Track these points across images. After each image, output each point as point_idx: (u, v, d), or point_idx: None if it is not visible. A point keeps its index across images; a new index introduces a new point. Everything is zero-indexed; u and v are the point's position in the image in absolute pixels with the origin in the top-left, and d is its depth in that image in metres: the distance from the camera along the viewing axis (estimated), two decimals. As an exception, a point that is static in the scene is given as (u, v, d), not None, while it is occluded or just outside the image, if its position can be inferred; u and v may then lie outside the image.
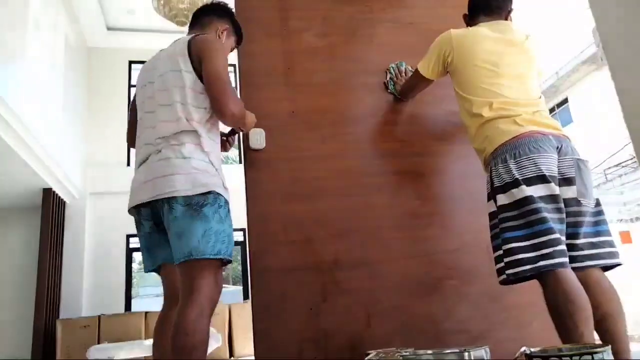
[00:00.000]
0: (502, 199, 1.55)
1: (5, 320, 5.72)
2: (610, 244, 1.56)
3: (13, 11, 4.32)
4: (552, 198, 1.50)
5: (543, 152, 1.53)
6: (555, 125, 1.65)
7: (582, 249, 1.52)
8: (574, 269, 1.47)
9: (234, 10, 1.95)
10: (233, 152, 9.14)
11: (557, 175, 1.53)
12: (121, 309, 6.14)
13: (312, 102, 2.06)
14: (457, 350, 0.86)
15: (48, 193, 5.62)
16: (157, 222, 1.58)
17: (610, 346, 0.83)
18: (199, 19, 1.89)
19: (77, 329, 5.09)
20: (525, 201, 1.49)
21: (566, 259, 1.44)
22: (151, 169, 1.55)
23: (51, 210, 5.64)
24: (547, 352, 0.89)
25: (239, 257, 7.62)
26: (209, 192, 1.50)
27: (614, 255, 1.55)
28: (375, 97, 2.14)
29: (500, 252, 1.54)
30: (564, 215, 1.51)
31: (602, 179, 10.81)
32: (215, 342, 5.17)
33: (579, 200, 1.53)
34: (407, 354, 0.96)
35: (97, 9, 6.78)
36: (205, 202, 1.48)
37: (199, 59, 1.64)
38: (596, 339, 1.44)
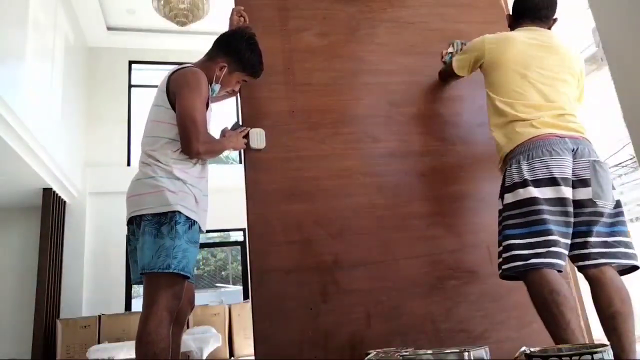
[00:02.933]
0: (508, 198, 1.61)
1: (5, 320, 5.72)
2: (627, 245, 1.56)
3: (13, 11, 4.32)
4: (560, 201, 1.54)
5: (556, 155, 1.57)
6: (576, 128, 1.66)
7: (594, 247, 1.54)
8: (587, 266, 1.53)
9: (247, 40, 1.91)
10: (233, 152, 9.13)
11: (570, 177, 1.57)
12: (121, 309, 6.14)
13: (312, 102, 2.06)
14: (457, 350, 0.86)
15: (48, 193, 5.62)
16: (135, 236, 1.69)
17: (610, 346, 0.83)
18: (211, 48, 1.92)
19: (77, 329, 5.09)
20: (528, 201, 1.54)
21: (558, 261, 1.49)
22: (132, 186, 1.71)
23: (51, 210, 5.63)
24: (547, 352, 0.89)
25: (239, 257, 7.62)
26: (169, 211, 1.60)
27: (629, 256, 1.54)
28: (375, 97, 2.14)
29: (501, 248, 1.60)
30: (570, 219, 1.54)
31: (602, 179, 10.79)
32: (215, 342, 5.18)
33: (595, 202, 1.55)
34: (407, 354, 0.96)
35: (97, 9, 6.78)
36: (164, 220, 1.58)
37: (174, 94, 1.72)
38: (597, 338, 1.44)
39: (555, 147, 1.58)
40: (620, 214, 1.60)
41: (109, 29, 7.29)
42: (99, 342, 5.06)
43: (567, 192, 1.54)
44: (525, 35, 1.81)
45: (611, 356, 0.79)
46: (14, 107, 3.98)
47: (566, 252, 1.54)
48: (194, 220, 1.66)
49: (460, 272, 1.95)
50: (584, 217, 1.55)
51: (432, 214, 2.02)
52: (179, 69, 1.79)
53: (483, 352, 0.86)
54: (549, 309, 1.44)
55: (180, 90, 1.70)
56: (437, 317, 1.87)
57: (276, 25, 2.15)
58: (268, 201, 1.90)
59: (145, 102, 8.02)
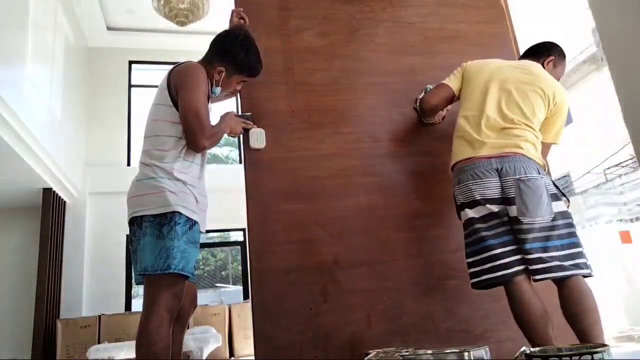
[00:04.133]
0: (461, 218, 1.77)
1: (5, 320, 5.72)
2: (562, 258, 1.56)
3: (13, 11, 4.32)
4: (493, 214, 1.65)
5: (478, 178, 1.67)
6: (510, 144, 1.69)
7: (532, 263, 1.58)
8: (535, 279, 1.58)
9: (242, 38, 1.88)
10: (233, 152, 9.14)
11: (498, 195, 1.64)
12: (121, 309, 6.14)
13: (312, 102, 2.06)
14: (457, 350, 0.86)
15: (48, 193, 5.62)
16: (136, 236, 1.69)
17: (609, 346, 0.83)
18: (208, 51, 1.89)
19: (77, 329, 5.09)
20: (468, 222, 1.71)
21: (509, 271, 1.59)
22: (132, 187, 1.70)
23: (51, 210, 5.63)
24: (547, 352, 0.89)
25: (239, 257, 7.62)
26: (169, 212, 1.59)
27: (565, 268, 1.54)
28: (375, 96, 2.14)
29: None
30: (509, 227, 1.63)
31: (602, 179, 10.81)
32: (215, 342, 5.18)
33: (519, 219, 1.58)
34: (407, 354, 0.96)
35: (97, 9, 6.78)
36: (164, 220, 1.58)
37: (176, 90, 1.71)
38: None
39: (478, 170, 1.68)
40: (558, 226, 1.59)
41: (109, 29, 7.29)
42: (99, 342, 5.06)
43: (495, 207, 1.63)
44: (507, 61, 1.91)
45: (611, 356, 0.79)
46: (14, 107, 3.98)
47: (516, 257, 1.61)
48: (195, 221, 1.66)
49: (460, 272, 1.95)
50: (518, 234, 1.61)
51: (432, 214, 2.02)
52: (178, 65, 1.78)
53: (483, 352, 0.86)
54: (523, 325, 1.55)
55: (181, 86, 1.69)
56: (437, 317, 1.87)
57: (276, 25, 2.15)
58: (268, 201, 1.90)
59: (145, 102, 8.03)
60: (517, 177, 1.62)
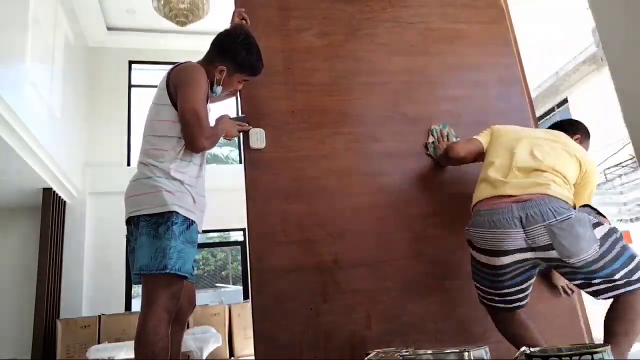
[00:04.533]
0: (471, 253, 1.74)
1: (5, 320, 5.72)
2: (626, 275, 1.47)
3: (13, 11, 4.32)
4: (491, 267, 1.63)
5: (495, 227, 1.57)
6: (530, 185, 1.59)
7: (587, 288, 1.53)
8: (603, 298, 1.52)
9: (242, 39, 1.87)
10: (233, 152, 9.14)
11: (519, 247, 1.54)
12: (121, 309, 6.15)
13: (312, 102, 2.06)
14: (457, 350, 0.86)
15: (48, 193, 5.63)
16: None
17: (610, 346, 0.83)
18: (208, 50, 1.89)
19: (77, 329, 5.09)
20: (477, 264, 1.71)
21: (512, 305, 1.66)
22: (130, 186, 1.69)
23: (51, 210, 5.63)
24: (547, 352, 0.89)
25: (239, 257, 7.62)
26: (165, 211, 1.59)
27: (630, 283, 1.47)
28: (375, 96, 2.14)
29: None
30: (526, 269, 1.62)
31: (602, 179, 10.81)
32: (215, 342, 5.18)
33: (566, 261, 1.49)
34: (407, 354, 0.96)
35: (97, 8, 6.78)
36: (161, 220, 1.58)
37: (175, 90, 1.70)
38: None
39: (497, 218, 1.57)
40: (609, 248, 1.50)
41: (109, 29, 7.29)
42: (99, 342, 5.06)
43: (505, 259, 1.57)
44: (532, 129, 1.89)
45: (611, 356, 0.79)
46: (14, 107, 3.98)
47: (523, 294, 1.66)
48: (192, 220, 1.65)
49: (460, 272, 1.95)
50: (571, 272, 1.53)
51: (432, 214, 2.02)
52: (178, 65, 1.78)
53: (483, 352, 0.86)
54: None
55: (181, 86, 1.69)
56: (437, 317, 1.87)
57: (276, 25, 2.14)
58: (268, 201, 1.90)
59: (145, 102, 8.03)
60: (547, 222, 1.49)
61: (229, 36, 1.86)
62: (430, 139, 2.07)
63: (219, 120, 1.83)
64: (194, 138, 1.64)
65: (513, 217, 1.53)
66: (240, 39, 1.84)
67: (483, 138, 1.90)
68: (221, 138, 1.85)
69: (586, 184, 1.73)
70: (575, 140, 1.86)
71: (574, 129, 1.95)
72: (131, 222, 1.64)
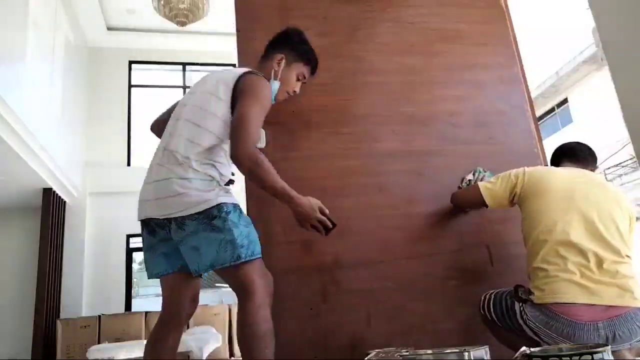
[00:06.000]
0: (512, 315, 1.56)
1: (5, 320, 5.72)
2: None
3: (13, 11, 4.32)
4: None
5: (573, 341, 1.39)
6: (618, 295, 1.41)
7: None
8: None
9: (294, 35, 1.85)
10: (233, 152, 9.12)
11: None
12: (121, 309, 6.15)
13: (312, 102, 2.05)
14: (457, 350, 0.86)
15: (48, 193, 5.63)
16: (166, 234, 1.60)
17: (610, 346, 0.83)
18: (264, 51, 1.86)
19: (77, 329, 5.09)
20: (516, 322, 1.54)
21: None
22: (159, 187, 1.57)
23: (51, 210, 5.64)
24: (547, 352, 0.89)
25: (239, 257, 7.61)
26: (214, 205, 1.51)
27: None
28: (375, 96, 2.14)
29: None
30: None
31: (602, 179, 10.81)
32: (215, 342, 5.18)
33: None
34: (407, 354, 0.96)
35: (97, 9, 6.79)
36: (214, 214, 1.50)
37: (240, 94, 1.63)
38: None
39: (578, 335, 1.38)
40: None
41: (109, 29, 7.29)
42: (99, 342, 5.06)
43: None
44: (566, 170, 1.70)
45: (611, 356, 0.79)
46: (14, 107, 3.98)
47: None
48: (238, 204, 1.59)
49: (460, 272, 1.95)
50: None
51: (432, 214, 2.02)
52: (251, 73, 1.69)
53: (483, 352, 0.85)
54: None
55: (246, 94, 1.61)
56: (437, 317, 1.87)
57: (276, 25, 2.14)
58: (268, 201, 1.89)
59: (145, 102, 8.05)
60: (633, 340, 1.38)
61: (286, 31, 1.86)
62: (469, 177, 2.00)
63: (310, 198, 1.62)
64: (238, 147, 1.52)
65: (598, 336, 1.37)
66: (297, 32, 1.86)
67: (495, 186, 1.72)
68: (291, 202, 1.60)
69: (631, 232, 1.59)
70: (593, 169, 1.77)
71: (591, 158, 1.79)
72: (170, 221, 1.53)
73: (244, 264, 1.49)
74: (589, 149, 1.82)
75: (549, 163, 1.94)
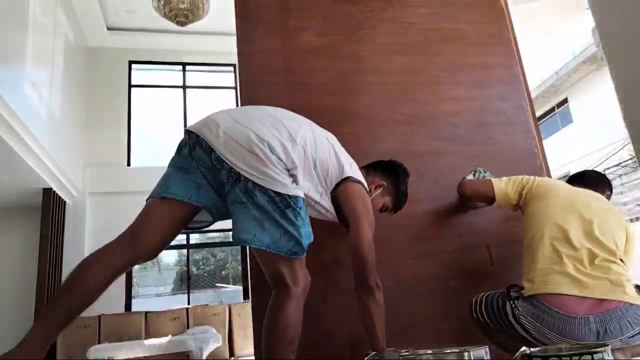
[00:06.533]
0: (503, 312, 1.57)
1: (5, 320, 5.72)
2: None
3: (13, 11, 4.32)
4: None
5: (566, 337, 1.40)
6: (609, 290, 1.42)
7: None
8: None
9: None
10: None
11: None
12: (121, 309, 6.15)
13: (312, 102, 2.05)
14: (457, 350, 0.86)
15: (48, 193, 5.63)
16: (211, 175, 1.49)
17: (610, 346, 0.83)
18: (372, 165, 1.83)
19: (77, 329, 5.09)
20: (509, 324, 1.54)
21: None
22: (240, 133, 1.44)
23: (51, 210, 5.64)
24: (547, 352, 0.89)
25: (239, 257, 7.62)
26: (293, 195, 1.45)
27: None
28: (375, 96, 2.14)
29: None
30: None
31: (602, 179, 10.81)
32: (215, 342, 5.18)
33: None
34: (407, 354, 0.96)
35: (97, 9, 6.79)
36: (289, 202, 1.44)
37: (345, 196, 1.60)
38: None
39: (570, 329, 1.39)
40: None
41: (109, 29, 7.29)
42: (99, 342, 5.07)
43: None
44: (572, 186, 1.74)
45: (611, 356, 0.79)
46: (14, 107, 3.98)
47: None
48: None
49: (460, 272, 1.95)
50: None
51: (432, 214, 2.02)
52: (356, 181, 1.62)
53: (483, 352, 0.85)
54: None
55: (363, 214, 1.59)
56: (437, 317, 1.87)
57: (276, 25, 2.14)
58: (268, 201, 1.89)
59: (145, 102, 8.04)
60: (624, 336, 1.38)
61: (399, 165, 1.85)
62: (469, 177, 1.99)
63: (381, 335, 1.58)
64: (366, 278, 1.54)
65: (590, 331, 1.38)
66: (407, 172, 1.84)
67: (507, 185, 1.75)
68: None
69: (629, 252, 1.63)
70: (606, 195, 1.80)
71: (603, 184, 1.84)
72: (240, 178, 1.41)
73: (295, 259, 1.45)
74: (600, 175, 1.90)
75: (548, 163, 1.94)
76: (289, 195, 1.44)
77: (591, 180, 1.84)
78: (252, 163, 1.41)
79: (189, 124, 1.77)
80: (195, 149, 1.48)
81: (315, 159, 1.55)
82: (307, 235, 1.49)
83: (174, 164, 1.55)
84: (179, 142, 1.56)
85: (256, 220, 1.42)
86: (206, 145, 1.45)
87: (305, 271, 1.51)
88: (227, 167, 1.42)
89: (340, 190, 1.60)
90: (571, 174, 1.96)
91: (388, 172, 1.82)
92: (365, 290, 1.55)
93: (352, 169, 1.64)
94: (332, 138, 1.70)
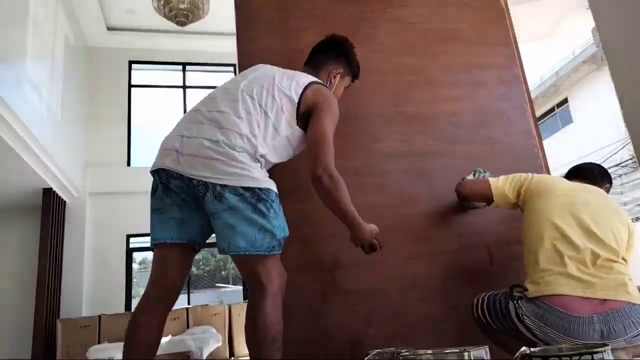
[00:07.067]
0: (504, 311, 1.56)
1: (5, 320, 5.72)
2: None
3: (13, 11, 4.32)
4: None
5: (569, 336, 1.39)
6: (612, 289, 1.42)
7: None
8: None
9: (345, 47, 1.83)
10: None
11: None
12: (121, 309, 6.15)
13: (312, 102, 2.05)
14: (457, 350, 0.86)
15: (48, 193, 5.63)
16: (191, 198, 1.49)
17: (610, 346, 0.82)
18: (314, 57, 1.82)
19: (77, 329, 5.09)
20: (512, 324, 1.52)
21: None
22: (196, 145, 1.46)
23: (51, 210, 5.64)
24: (547, 352, 0.89)
25: (239, 257, 7.61)
26: (264, 187, 1.46)
27: None
28: (375, 96, 2.14)
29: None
30: None
31: (602, 179, 10.81)
32: (215, 342, 5.18)
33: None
34: (407, 354, 0.96)
35: (97, 9, 6.79)
36: (260, 196, 1.44)
37: (307, 109, 1.59)
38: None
39: (573, 329, 1.38)
40: None
41: (109, 29, 7.29)
42: (99, 342, 5.06)
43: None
44: (571, 182, 1.73)
45: (611, 356, 0.79)
46: (14, 107, 3.99)
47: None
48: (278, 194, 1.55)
49: (460, 272, 1.95)
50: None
51: (432, 214, 2.02)
52: (316, 84, 1.65)
53: (483, 352, 0.85)
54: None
55: (324, 110, 1.59)
56: (437, 317, 1.87)
57: (276, 25, 2.14)
58: (268, 201, 1.89)
59: (145, 102, 8.03)
60: (628, 336, 1.37)
61: (340, 39, 1.83)
62: (469, 177, 1.97)
63: (370, 225, 1.64)
64: (321, 158, 1.53)
65: (594, 331, 1.38)
66: (351, 44, 1.83)
67: (505, 184, 1.73)
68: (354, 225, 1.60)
69: (631, 249, 1.60)
70: (606, 189, 1.78)
71: (602, 178, 1.81)
72: (206, 186, 1.42)
73: (270, 257, 1.45)
74: (598, 167, 1.85)
75: (548, 163, 1.94)
76: (259, 189, 1.44)
77: (590, 173, 1.81)
78: (217, 167, 1.42)
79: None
80: (170, 182, 1.50)
81: (265, 110, 1.55)
82: (281, 228, 1.49)
83: (152, 207, 1.57)
84: (151, 185, 1.58)
85: (228, 228, 1.43)
86: (176, 174, 1.47)
87: (279, 269, 1.51)
88: (196, 182, 1.44)
89: (302, 105, 1.59)
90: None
91: (335, 55, 1.81)
92: (314, 181, 1.55)
93: (300, 82, 1.62)
94: (280, 72, 1.67)
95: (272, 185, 1.51)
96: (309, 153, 1.57)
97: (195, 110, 1.60)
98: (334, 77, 1.79)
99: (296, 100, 1.59)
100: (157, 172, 1.52)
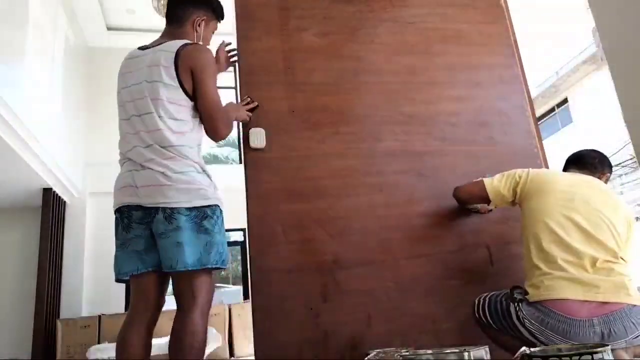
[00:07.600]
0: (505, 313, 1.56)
1: (5, 320, 5.71)
2: None
3: (13, 11, 4.32)
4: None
5: (569, 339, 1.38)
6: (612, 289, 1.41)
7: None
8: None
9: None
10: (233, 152, 9.14)
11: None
12: (121, 309, 6.13)
13: (312, 101, 2.06)
14: (457, 350, 0.86)
15: (48, 193, 5.62)
16: (148, 226, 1.58)
17: (610, 346, 0.82)
18: (174, 11, 1.80)
19: (77, 329, 5.09)
20: (513, 326, 1.52)
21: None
22: (146, 176, 1.56)
23: (51, 210, 5.63)
24: (547, 352, 0.89)
25: (239, 257, 7.62)
26: (211, 205, 1.55)
27: None
28: (375, 96, 2.14)
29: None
30: None
31: (602, 179, 10.81)
32: (215, 342, 5.17)
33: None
34: (407, 354, 0.96)
35: (97, 9, 6.78)
36: (206, 214, 1.53)
37: (187, 73, 1.61)
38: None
39: (574, 332, 1.38)
40: None
41: (109, 29, 7.29)
42: (99, 342, 5.06)
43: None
44: (570, 175, 1.71)
45: (611, 356, 0.79)
46: (14, 107, 3.98)
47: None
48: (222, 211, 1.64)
49: (460, 272, 1.95)
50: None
51: (432, 214, 2.02)
52: (185, 46, 1.64)
53: (483, 352, 0.85)
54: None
55: (199, 72, 1.60)
56: (437, 317, 1.87)
57: (276, 25, 2.14)
58: (268, 201, 1.90)
59: (145, 102, 8.00)
60: (628, 337, 1.36)
61: None
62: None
63: (227, 107, 1.75)
64: (219, 130, 1.63)
65: (594, 333, 1.37)
66: None
67: (500, 183, 1.73)
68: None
69: (629, 240, 1.59)
70: (605, 178, 1.77)
71: (602, 167, 1.78)
72: (157, 211, 1.51)
73: (209, 273, 1.53)
74: (599, 155, 1.82)
75: (548, 163, 1.93)
76: (207, 206, 1.53)
77: (589, 163, 1.78)
78: (167, 192, 1.51)
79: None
80: (132, 215, 1.58)
81: (159, 114, 1.60)
82: (223, 242, 1.56)
83: (116, 244, 1.67)
84: (114, 223, 1.69)
85: (176, 246, 1.49)
86: (135, 206, 1.57)
87: (211, 285, 1.58)
88: (153, 210, 1.53)
89: (180, 73, 1.61)
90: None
91: (193, 3, 1.81)
92: (216, 140, 1.67)
93: (169, 60, 1.64)
94: (145, 70, 1.72)
95: (219, 201, 1.59)
96: (203, 116, 1.65)
97: (127, 143, 1.70)
98: (199, 25, 1.79)
99: (176, 83, 1.61)
100: (118, 211, 1.64)
